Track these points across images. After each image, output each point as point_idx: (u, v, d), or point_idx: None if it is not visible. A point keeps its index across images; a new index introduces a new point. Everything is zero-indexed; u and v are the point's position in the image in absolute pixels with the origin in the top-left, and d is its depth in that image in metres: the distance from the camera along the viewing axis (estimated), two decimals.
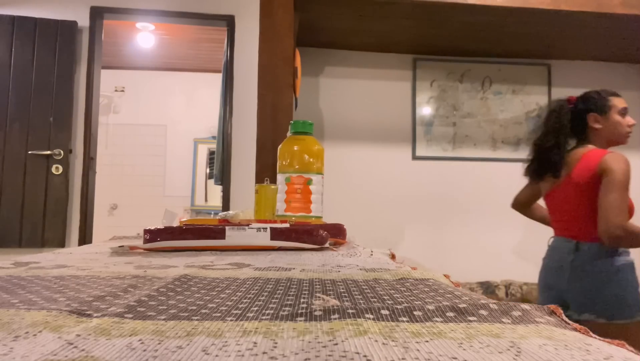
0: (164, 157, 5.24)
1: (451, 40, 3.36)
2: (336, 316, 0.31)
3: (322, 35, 3.31)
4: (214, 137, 4.56)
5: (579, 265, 1.66)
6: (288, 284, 0.44)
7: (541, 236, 3.58)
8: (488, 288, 3.31)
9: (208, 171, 5.23)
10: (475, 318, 0.30)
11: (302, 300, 0.36)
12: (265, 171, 2.07)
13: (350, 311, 0.32)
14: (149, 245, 0.74)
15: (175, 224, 1.02)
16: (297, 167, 1.11)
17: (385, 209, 3.54)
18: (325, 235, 0.79)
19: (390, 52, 3.60)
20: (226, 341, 0.25)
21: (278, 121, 2.24)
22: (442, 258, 3.52)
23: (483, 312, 0.31)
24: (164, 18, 3.39)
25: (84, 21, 3.21)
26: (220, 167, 3.26)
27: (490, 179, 3.61)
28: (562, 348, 0.24)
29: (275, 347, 0.24)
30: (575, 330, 0.28)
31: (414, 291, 0.40)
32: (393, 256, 0.72)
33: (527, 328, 0.28)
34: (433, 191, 3.57)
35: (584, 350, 0.24)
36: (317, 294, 0.38)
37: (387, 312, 0.31)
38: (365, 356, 0.23)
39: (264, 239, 0.75)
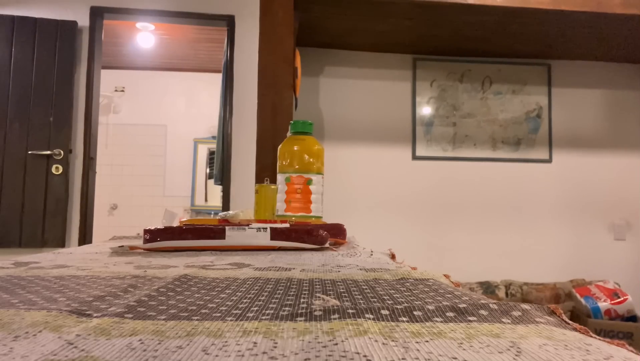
0: (164, 157, 5.24)
1: (451, 41, 3.36)
2: (336, 316, 0.31)
3: (322, 35, 3.31)
4: (214, 137, 4.56)
5: None
6: (288, 284, 0.44)
7: (541, 236, 3.59)
8: (488, 288, 3.31)
9: (208, 171, 5.23)
10: (475, 318, 0.30)
11: (302, 300, 0.36)
12: (265, 171, 2.07)
13: (350, 311, 0.32)
14: (149, 245, 0.74)
15: (175, 224, 1.02)
16: (297, 167, 1.11)
17: (385, 209, 3.53)
18: (325, 235, 0.79)
19: (390, 52, 3.60)
20: (226, 341, 0.25)
21: (278, 121, 2.24)
22: (442, 258, 3.52)
23: (483, 312, 0.31)
24: (164, 18, 3.39)
25: (84, 21, 3.21)
26: (220, 167, 3.26)
27: (490, 179, 3.61)
28: (562, 348, 0.24)
29: (275, 347, 0.24)
30: (575, 330, 0.28)
31: (414, 291, 0.40)
32: (393, 256, 0.72)
33: (527, 328, 0.28)
34: (433, 191, 3.57)
35: (584, 350, 0.24)
36: (317, 294, 0.38)
37: (387, 312, 0.31)
38: (365, 356, 0.23)
39: (264, 239, 0.75)
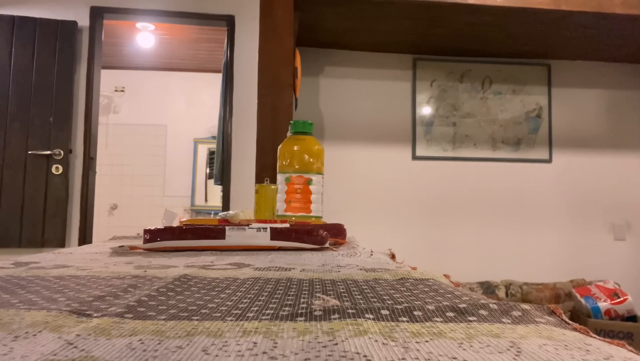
0: (164, 157, 5.24)
1: (451, 40, 3.35)
2: (336, 316, 0.31)
3: (322, 35, 3.31)
4: (214, 137, 4.56)
5: None
6: (288, 284, 0.44)
7: (541, 236, 3.59)
8: (488, 288, 3.31)
9: (208, 171, 5.23)
10: (475, 318, 0.30)
11: (302, 300, 0.36)
12: (265, 171, 2.07)
13: (350, 311, 0.32)
14: (149, 245, 0.74)
15: (175, 224, 1.02)
16: (297, 167, 1.11)
17: (385, 209, 3.53)
18: (325, 235, 0.79)
19: (390, 52, 3.60)
20: (226, 341, 0.25)
21: (278, 121, 2.24)
22: (442, 258, 3.52)
23: (483, 312, 0.31)
24: (164, 18, 3.39)
25: (84, 21, 3.21)
26: (220, 167, 3.26)
27: (490, 179, 3.61)
28: (562, 348, 0.24)
29: (275, 347, 0.24)
30: (575, 330, 0.28)
31: (414, 291, 0.40)
32: (393, 256, 0.72)
33: (527, 328, 0.28)
34: (433, 191, 3.57)
35: (584, 350, 0.24)
36: (317, 294, 0.38)
37: (387, 312, 0.31)
38: (365, 356, 0.23)
39: (264, 239, 0.75)
